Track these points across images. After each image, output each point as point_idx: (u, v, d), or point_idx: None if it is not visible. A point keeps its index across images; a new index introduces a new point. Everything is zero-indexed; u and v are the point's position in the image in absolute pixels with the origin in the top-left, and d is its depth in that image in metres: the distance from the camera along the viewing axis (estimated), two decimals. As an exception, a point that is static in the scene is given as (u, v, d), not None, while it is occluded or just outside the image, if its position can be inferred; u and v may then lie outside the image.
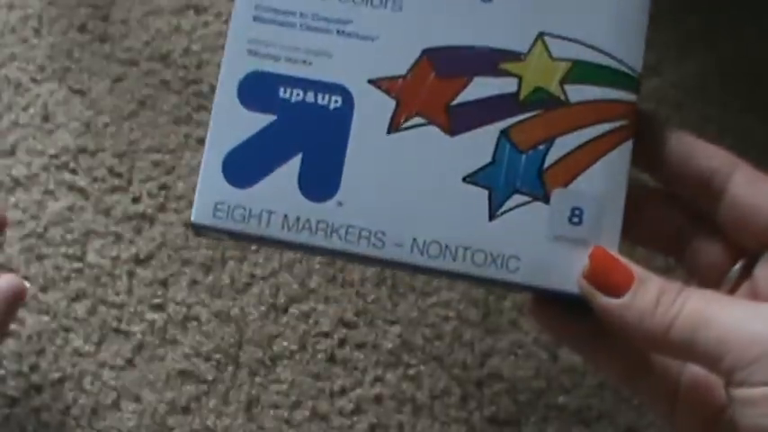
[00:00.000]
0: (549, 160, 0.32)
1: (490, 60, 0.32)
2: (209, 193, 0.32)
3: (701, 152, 0.33)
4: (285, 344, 0.48)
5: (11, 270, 0.48)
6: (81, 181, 0.50)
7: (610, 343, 0.33)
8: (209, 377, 0.48)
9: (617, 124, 0.32)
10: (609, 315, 0.31)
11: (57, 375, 0.48)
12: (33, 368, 0.48)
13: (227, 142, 0.32)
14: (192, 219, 0.32)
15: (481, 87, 0.32)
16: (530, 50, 0.32)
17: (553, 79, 0.32)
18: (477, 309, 0.49)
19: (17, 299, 0.41)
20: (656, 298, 0.31)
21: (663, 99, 0.52)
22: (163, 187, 0.50)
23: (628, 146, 0.32)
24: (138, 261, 0.49)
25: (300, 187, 0.32)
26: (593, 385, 0.48)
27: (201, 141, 0.51)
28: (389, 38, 0.32)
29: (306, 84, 0.32)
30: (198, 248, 0.49)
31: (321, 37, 0.33)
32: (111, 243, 0.49)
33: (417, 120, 0.32)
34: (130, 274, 0.49)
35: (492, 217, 0.32)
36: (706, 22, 0.53)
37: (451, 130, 0.32)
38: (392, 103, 0.32)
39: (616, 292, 0.31)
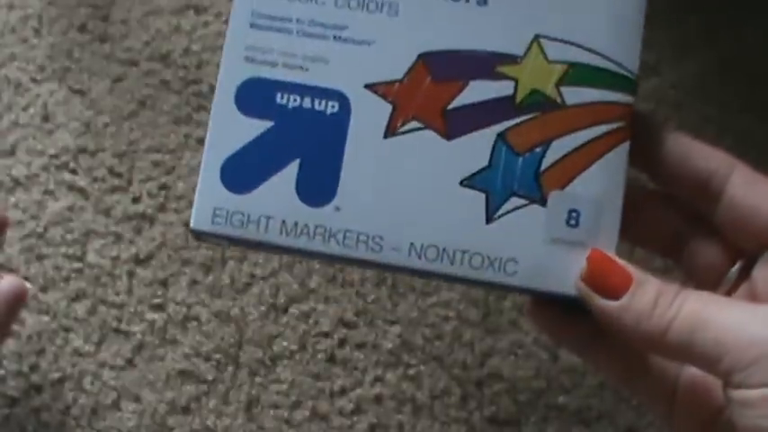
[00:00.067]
0: (545, 163, 0.32)
1: (486, 64, 0.32)
2: (208, 199, 0.32)
3: (698, 153, 0.33)
4: (285, 344, 0.48)
5: (11, 270, 0.48)
6: (81, 181, 0.50)
7: (608, 344, 0.33)
8: (209, 377, 0.48)
9: (614, 126, 0.32)
10: (607, 317, 0.31)
11: (57, 375, 0.48)
12: (33, 368, 0.48)
13: (225, 148, 0.33)
14: (191, 225, 0.32)
15: (477, 91, 0.32)
16: (526, 53, 0.32)
17: (549, 82, 0.32)
18: (477, 309, 0.49)
19: (19, 300, 0.41)
20: (654, 300, 0.31)
21: (662, 99, 0.52)
22: (163, 187, 0.50)
23: (625, 147, 0.32)
24: (138, 261, 0.49)
25: (298, 192, 0.32)
26: (593, 385, 0.48)
27: (201, 141, 0.51)
28: (385, 42, 0.33)
29: (303, 89, 0.33)
30: (198, 248, 0.49)
31: (317, 43, 0.33)
32: (111, 243, 0.49)
33: (414, 124, 0.32)
34: (130, 274, 0.49)
35: (489, 220, 0.32)
36: (706, 22, 0.53)
37: (448, 134, 0.32)
38: (389, 108, 0.32)
39: (614, 294, 0.31)
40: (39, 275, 0.49)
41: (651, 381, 0.34)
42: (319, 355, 0.48)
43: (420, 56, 0.32)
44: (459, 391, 0.48)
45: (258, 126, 0.32)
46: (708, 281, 0.34)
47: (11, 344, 0.47)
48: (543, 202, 0.32)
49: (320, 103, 0.32)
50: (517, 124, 0.32)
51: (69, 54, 0.52)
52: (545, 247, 0.32)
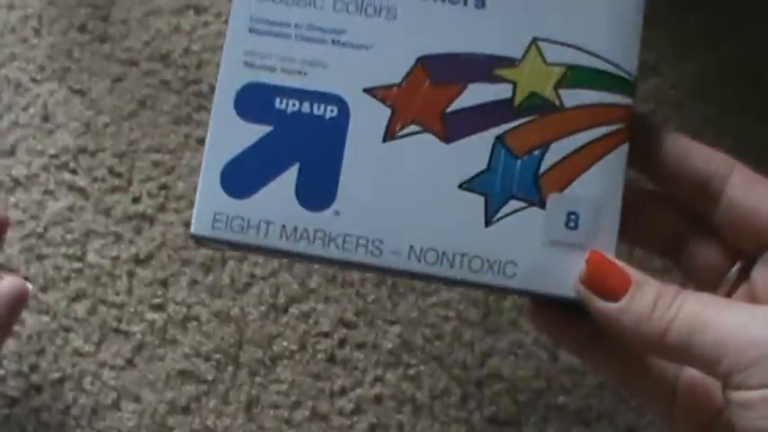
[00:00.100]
0: (544, 165, 0.32)
1: (484, 67, 0.32)
2: (208, 205, 0.32)
3: (697, 154, 0.33)
4: (285, 344, 0.48)
5: (11, 270, 0.48)
6: (81, 181, 0.50)
7: (607, 346, 0.33)
8: (209, 377, 0.48)
9: (612, 128, 0.32)
10: (606, 319, 0.31)
11: (57, 375, 0.48)
12: (33, 368, 0.48)
13: (224, 153, 0.33)
14: (192, 230, 0.32)
15: (476, 94, 0.32)
16: (524, 56, 0.33)
17: (547, 84, 0.32)
18: (477, 309, 0.49)
19: (20, 301, 0.41)
20: (653, 302, 0.31)
21: (662, 99, 0.52)
22: (163, 187, 0.50)
23: (623, 149, 0.32)
24: (138, 261, 0.49)
25: (298, 197, 0.32)
26: (593, 385, 0.48)
27: (201, 141, 0.51)
28: (384, 46, 0.33)
29: (301, 94, 0.33)
30: (198, 248, 0.49)
31: (316, 47, 0.33)
32: (111, 243, 0.49)
33: (413, 127, 0.32)
34: (130, 274, 0.49)
35: (488, 223, 0.32)
36: (706, 22, 0.53)
37: (447, 138, 0.32)
38: (387, 112, 0.32)
39: (613, 296, 0.31)
40: (39, 275, 0.49)
41: (650, 382, 0.34)
42: (319, 355, 0.48)
43: (418, 59, 0.33)
44: (459, 391, 0.48)
45: (257, 131, 0.33)
46: (707, 282, 0.34)
47: (11, 344, 0.47)
48: (542, 205, 0.32)
49: (319, 108, 0.32)
50: (516, 127, 0.32)
51: (69, 54, 0.52)
52: (544, 249, 0.32)
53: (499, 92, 0.32)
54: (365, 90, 0.32)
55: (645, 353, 0.33)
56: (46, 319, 0.48)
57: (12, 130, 0.51)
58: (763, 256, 0.33)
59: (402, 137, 0.32)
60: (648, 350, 0.32)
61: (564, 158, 0.32)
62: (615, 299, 0.31)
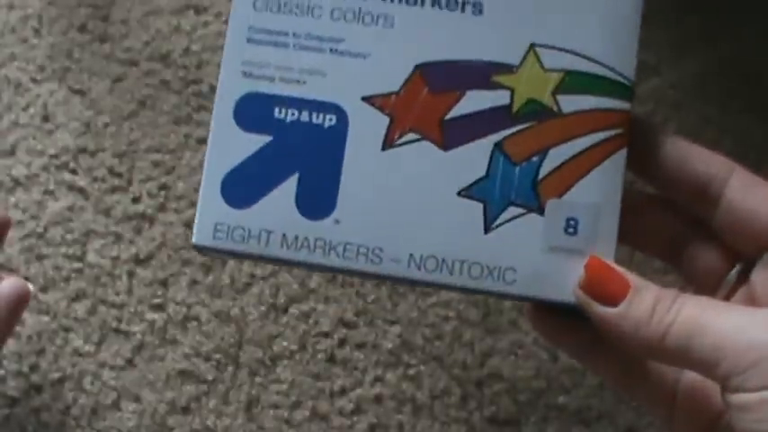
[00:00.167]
0: (543, 171, 0.32)
1: (482, 73, 0.33)
2: (209, 215, 0.33)
3: (696, 157, 0.33)
4: (285, 344, 0.48)
5: (11, 270, 0.48)
6: (81, 181, 0.50)
7: (607, 350, 0.33)
8: (209, 377, 0.48)
9: (611, 133, 0.32)
10: (605, 324, 0.31)
11: (57, 375, 0.48)
12: (33, 368, 0.48)
13: (224, 164, 0.33)
14: (193, 241, 0.33)
15: (474, 101, 0.32)
16: (522, 62, 0.33)
17: (545, 90, 0.32)
18: (477, 309, 0.49)
19: (21, 301, 0.41)
20: (652, 306, 0.31)
21: (662, 99, 0.52)
22: (163, 187, 0.50)
23: (622, 154, 0.32)
24: (138, 261, 0.49)
25: (298, 206, 0.32)
26: (593, 385, 0.48)
27: (201, 141, 0.51)
28: (382, 55, 0.33)
29: (300, 103, 0.33)
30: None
31: (314, 56, 0.33)
32: (111, 243, 0.49)
33: (411, 135, 0.32)
34: (130, 274, 0.49)
35: (487, 230, 0.32)
36: (705, 22, 0.53)
37: (445, 145, 0.32)
38: (386, 120, 0.32)
39: (612, 301, 0.31)
40: (39, 275, 0.49)
41: (651, 386, 0.34)
42: (319, 355, 0.48)
43: (416, 67, 0.33)
44: (459, 391, 0.48)
45: (257, 141, 0.33)
46: (707, 285, 0.34)
47: (11, 344, 0.47)
48: (541, 211, 0.32)
49: (318, 117, 0.33)
50: (514, 133, 0.32)
51: (69, 54, 0.52)
52: (543, 255, 0.32)
53: (497, 98, 0.32)
54: (364, 98, 0.33)
55: (644, 357, 0.33)
56: (46, 319, 0.48)
57: (12, 130, 0.51)
58: (763, 258, 0.33)
59: (401, 145, 0.32)
60: (648, 354, 0.32)
61: (562, 164, 0.32)
62: (614, 304, 0.31)
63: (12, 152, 0.50)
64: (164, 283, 0.49)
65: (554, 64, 0.33)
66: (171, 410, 0.47)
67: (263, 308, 0.49)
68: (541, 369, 0.48)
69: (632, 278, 0.31)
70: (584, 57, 0.33)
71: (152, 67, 0.51)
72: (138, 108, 0.51)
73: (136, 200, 0.50)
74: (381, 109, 0.33)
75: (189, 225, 0.49)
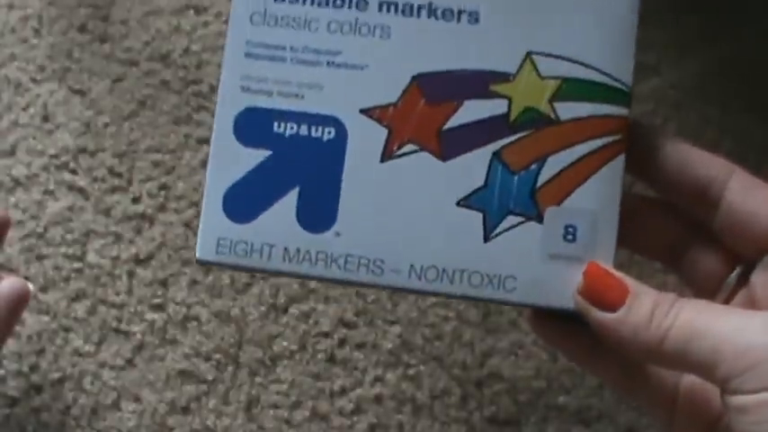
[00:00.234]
0: (541, 179, 0.32)
1: (479, 83, 0.33)
2: (212, 230, 0.33)
3: (696, 160, 0.33)
4: (285, 344, 0.48)
5: (11, 270, 0.48)
6: (81, 181, 0.50)
7: (607, 354, 0.34)
8: (209, 377, 0.48)
9: (609, 139, 0.32)
10: (605, 329, 0.31)
11: (57, 375, 0.48)
12: (33, 368, 0.48)
13: (226, 179, 0.33)
14: (197, 255, 0.33)
15: (471, 111, 0.33)
16: (518, 70, 0.33)
17: (543, 98, 0.33)
18: (477, 309, 0.49)
19: (21, 301, 0.41)
20: (651, 311, 0.31)
21: (662, 99, 0.52)
22: (163, 187, 0.50)
23: (620, 160, 0.32)
24: (138, 261, 0.49)
25: (299, 220, 0.33)
26: (593, 385, 0.48)
27: (201, 141, 0.51)
28: (379, 66, 0.33)
29: (299, 117, 0.33)
30: (198, 248, 0.49)
31: (312, 69, 0.33)
32: (111, 243, 0.49)
33: (410, 147, 0.33)
34: (130, 274, 0.49)
35: (487, 239, 0.32)
36: (706, 22, 0.53)
37: (443, 155, 0.32)
38: (384, 132, 0.33)
39: (611, 306, 0.31)
40: (39, 275, 0.49)
41: (651, 389, 0.34)
42: (319, 355, 0.48)
43: (413, 78, 0.33)
44: (459, 391, 0.48)
45: (257, 155, 0.33)
46: (707, 288, 0.34)
47: (11, 344, 0.47)
48: (540, 219, 0.32)
49: (317, 130, 0.33)
50: (512, 142, 0.32)
51: (69, 54, 0.52)
52: (543, 262, 0.32)
53: (495, 108, 0.33)
54: (362, 111, 0.33)
55: (644, 361, 0.33)
56: (46, 319, 0.48)
57: (12, 130, 0.51)
58: (762, 260, 0.33)
59: (399, 156, 0.33)
60: (647, 358, 0.32)
61: (561, 172, 0.32)
62: (613, 309, 0.31)
63: (12, 152, 0.50)
64: (164, 283, 0.49)
65: (551, 71, 0.33)
66: (171, 410, 0.47)
67: (263, 308, 0.49)
68: (541, 369, 0.48)
69: (631, 283, 0.31)
70: (581, 63, 0.33)
71: (152, 67, 0.51)
72: (138, 108, 0.51)
73: (136, 200, 0.50)
74: (379, 121, 0.33)
75: (189, 225, 0.49)
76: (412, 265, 0.32)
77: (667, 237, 0.35)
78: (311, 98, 0.33)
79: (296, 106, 0.33)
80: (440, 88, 0.33)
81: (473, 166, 0.32)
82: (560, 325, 0.34)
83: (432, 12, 0.33)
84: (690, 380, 0.34)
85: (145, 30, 0.52)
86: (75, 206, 0.50)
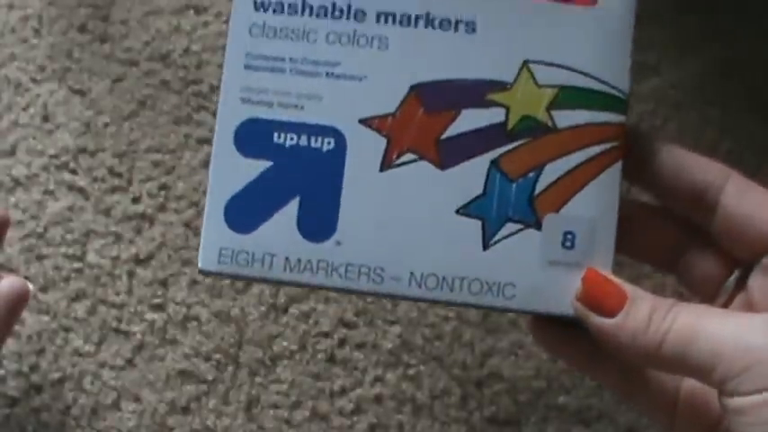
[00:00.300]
0: (539, 187, 0.33)
1: (477, 92, 0.33)
2: (213, 240, 0.33)
3: (693, 165, 0.34)
4: (285, 344, 0.48)
5: (11, 270, 0.48)
6: (81, 181, 0.50)
7: (606, 359, 0.34)
8: (209, 377, 0.48)
9: (606, 146, 0.33)
10: (603, 335, 0.32)
11: (57, 375, 0.48)
12: (33, 368, 0.48)
13: (227, 190, 0.33)
14: (199, 266, 0.33)
15: (469, 119, 0.33)
16: (516, 79, 0.33)
17: (540, 106, 0.33)
18: (477, 309, 0.49)
19: (21, 301, 0.41)
20: (648, 316, 0.31)
21: (662, 99, 0.52)
22: (163, 187, 0.50)
23: (617, 167, 0.33)
24: (138, 261, 0.49)
25: (299, 229, 0.33)
26: (593, 385, 0.48)
27: (201, 141, 0.51)
28: (377, 77, 0.33)
29: (299, 128, 0.33)
30: (198, 248, 0.49)
31: (311, 80, 0.33)
32: (111, 243, 0.49)
33: (409, 156, 0.33)
34: (130, 274, 0.49)
35: (486, 246, 0.33)
36: (706, 22, 0.53)
37: (442, 164, 0.33)
38: (383, 141, 0.33)
39: (609, 312, 0.31)
40: (39, 275, 0.49)
41: (651, 394, 0.34)
42: (319, 355, 0.48)
43: (412, 88, 0.33)
44: (459, 391, 0.48)
45: (257, 166, 0.33)
46: (705, 293, 0.35)
47: (11, 344, 0.47)
48: (538, 226, 0.33)
49: (316, 141, 0.33)
50: (510, 150, 0.33)
51: (69, 54, 0.52)
52: (542, 269, 0.32)
53: (492, 116, 0.33)
54: (361, 121, 0.33)
55: (643, 366, 0.33)
56: (46, 319, 0.48)
57: (12, 130, 0.51)
58: (759, 264, 0.33)
59: (398, 165, 0.33)
60: (646, 363, 0.32)
61: (558, 179, 0.33)
62: (611, 315, 0.31)
63: (12, 152, 0.50)
64: (164, 283, 0.49)
65: (548, 80, 0.33)
66: (171, 410, 0.47)
67: (263, 308, 0.49)
68: (541, 369, 0.48)
69: (629, 289, 0.32)
70: (578, 72, 0.33)
71: (152, 67, 0.51)
72: (138, 108, 0.51)
73: (136, 200, 0.50)
74: (378, 130, 0.33)
75: (189, 225, 0.50)
76: (412, 273, 0.33)
77: (665, 242, 0.35)
78: (311, 109, 0.33)
79: (296, 117, 0.33)
80: (438, 98, 0.33)
81: (472, 175, 0.33)
82: (560, 331, 0.34)
83: (429, 22, 0.33)
84: (690, 384, 0.34)
85: (145, 30, 0.52)
86: (75, 206, 0.50)
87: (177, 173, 0.50)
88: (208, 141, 0.50)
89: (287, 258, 0.33)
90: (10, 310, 0.41)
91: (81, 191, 0.50)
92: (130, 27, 0.52)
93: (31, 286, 0.42)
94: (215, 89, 0.51)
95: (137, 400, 0.47)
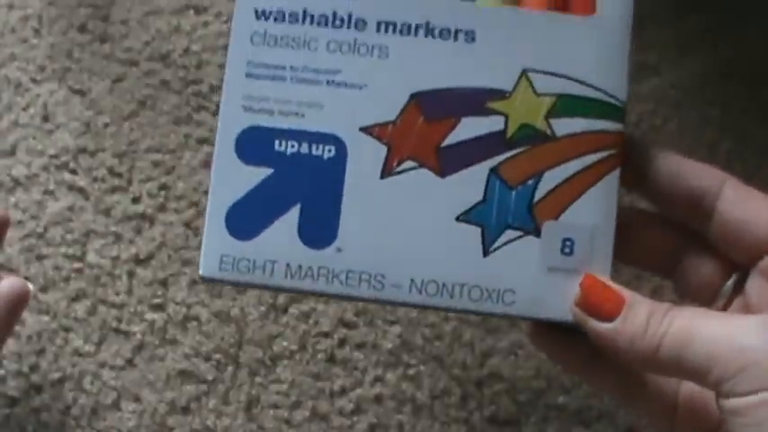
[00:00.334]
0: (538, 194, 0.33)
1: (477, 100, 0.33)
2: (215, 247, 0.33)
3: (689, 171, 0.34)
4: (285, 344, 0.48)
5: (11, 270, 0.48)
6: (81, 181, 0.50)
7: (606, 365, 0.34)
8: (209, 377, 0.48)
9: (604, 154, 0.33)
10: (602, 339, 0.32)
11: (57, 375, 0.48)
12: (33, 368, 0.48)
13: (228, 197, 0.33)
14: (201, 272, 0.33)
15: (469, 127, 0.33)
16: (514, 88, 0.33)
17: (539, 115, 0.33)
18: (476, 309, 0.49)
19: (21, 301, 0.41)
20: (646, 320, 0.31)
21: (662, 99, 0.52)
22: (163, 187, 0.50)
23: (615, 174, 0.33)
24: (138, 261, 0.49)
25: (300, 236, 0.33)
26: (592, 385, 0.48)
27: (201, 141, 0.51)
28: (378, 85, 0.33)
29: (300, 135, 0.33)
30: (198, 248, 0.49)
31: (312, 88, 0.34)
32: (111, 243, 0.49)
33: (409, 163, 0.33)
34: (130, 274, 0.49)
35: (486, 253, 0.33)
36: (706, 22, 0.53)
37: (442, 172, 0.33)
38: (384, 149, 0.33)
39: (608, 316, 0.32)
40: (39, 275, 0.49)
41: (651, 399, 0.35)
42: (319, 355, 0.48)
43: (412, 96, 0.33)
44: (459, 391, 0.48)
45: (258, 173, 0.33)
46: (704, 297, 0.35)
47: (11, 344, 0.47)
48: (537, 233, 0.33)
49: (317, 148, 0.33)
50: (509, 158, 0.33)
51: (69, 54, 0.52)
52: (541, 276, 0.33)
53: (492, 124, 0.33)
54: (361, 129, 0.33)
55: (641, 370, 0.34)
56: (46, 319, 0.48)
57: (12, 130, 0.51)
58: (755, 268, 0.33)
59: (399, 173, 0.33)
60: (644, 367, 0.32)
61: (557, 186, 0.33)
62: (610, 319, 0.32)
63: (12, 152, 0.50)
64: (164, 283, 0.49)
65: (546, 88, 0.33)
66: (171, 410, 0.47)
67: (263, 308, 0.49)
68: (541, 369, 0.48)
69: (626, 294, 0.32)
70: (576, 80, 0.33)
71: (152, 67, 0.51)
72: (138, 108, 0.51)
73: (136, 200, 0.50)
74: (379, 138, 0.33)
75: (189, 225, 0.50)
76: (412, 280, 0.33)
77: (663, 249, 0.36)
78: (311, 117, 0.33)
79: (297, 125, 0.33)
80: (438, 106, 0.33)
81: (471, 182, 0.33)
82: (559, 337, 0.35)
83: (429, 31, 0.33)
84: (689, 388, 0.34)
85: (145, 30, 0.52)
86: (76, 206, 0.50)
87: (177, 173, 0.50)
88: (208, 141, 0.50)
89: (288, 265, 0.33)
90: (10, 310, 0.41)
91: (81, 191, 0.50)
92: (130, 27, 0.52)
93: (31, 286, 0.42)
94: (215, 89, 0.51)
95: (137, 400, 0.47)
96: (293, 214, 0.33)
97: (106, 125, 0.51)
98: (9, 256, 0.49)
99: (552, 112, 0.33)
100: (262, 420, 0.47)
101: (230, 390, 0.48)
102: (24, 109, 0.51)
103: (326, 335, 0.48)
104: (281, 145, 0.33)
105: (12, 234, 0.49)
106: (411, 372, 0.48)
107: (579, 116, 0.33)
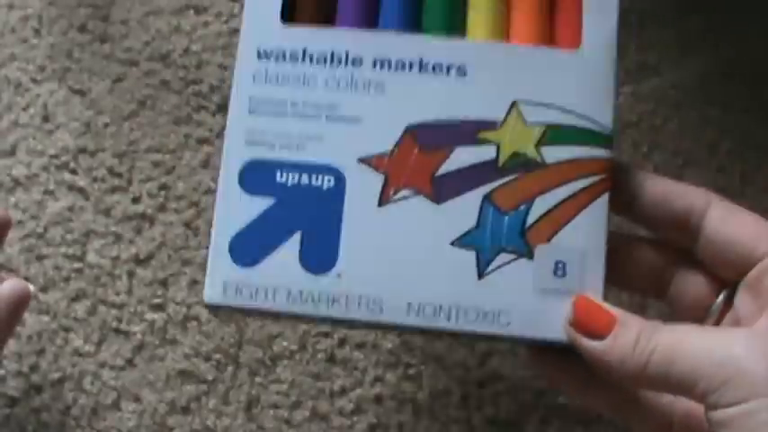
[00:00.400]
0: (530, 219, 0.34)
1: (469, 131, 0.35)
2: (219, 275, 0.35)
3: (674, 193, 0.35)
4: (285, 344, 0.48)
5: (11, 270, 0.48)
6: (81, 181, 0.50)
7: (601, 384, 0.35)
8: (209, 377, 0.48)
9: (593, 180, 0.34)
10: (594, 358, 0.33)
11: (57, 375, 0.48)
12: (33, 368, 0.48)
13: (232, 226, 0.35)
14: (205, 299, 0.35)
15: (462, 157, 0.35)
16: (505, 119, 0.35)
17: (529, 143, 0.35)
18: (477, 309, 0.49)
19: (22, 303, 0.41)
20: (636, 338, 0.32)
21: (662, 99, 0.52)
22: (163, 187, 0.50)
23: (604, 199, 0.34)
24: (138, 261, 0.49)
25: (302, 263, 0.34)
26: (592, 385, 0.48)
27: (201, 141, 0.51)
28: (374, 119, 0.35)
29: (300, 167, 0.35)
30: (198, 248, 0.49)
31: (311, 122, 0.35)
32: (111, 243, 0.49)
33: (405, 192, 0.35)
34: (130, 274, 0.49)
35: (481, 276, 0.34)
36: (706, 22, 0.53)
37: (437, 199, 0.35)
38: (381, 179, 0.35)
39: (599, 335, 0.33)
40: (39, 275, 0.49)
41: (647, 417, 0.36)
42: (319, 355, 0.48)
43: (407, 128, 0.35)
44: (460, 392, 0.48)
45: (261, 203, 0.35)
46: (696, 315, 0.36)
47: (11, 344, 0.47)
48: (530, 256, 0.34)
49: (317, 179, 0.35)
50: (501, 185, 0.35)
51: (69, 54, 0.52)
52: (535, 297, 0.34)
53: (484, 153, 0.35)
54: (359, 160, 0.35)
55: (633, 387, 0.35)
56: (46, 319, 0.48)
57: (12, 130, 0.51)
58: (743, 283, 0.34)
59: (396, 201, 0.35)
60: (635, 384, 0.33)
61: (549, 211, 0.34)
62: (601, 338, 0.33)
63: (12, 152, 0.50)
64: (164, 283, 0.49)
65: (536, 118, 0.35)
66: (171, 410, 0.47)
67: (263, 308, 0.49)
68: (541, 369, 0.48)
69: (617, 313, 0.33)
70: (564, 110, 0.35)
71: (152, 67, 0.51)
72: (138, 108, 0.51)
73: (136, 200, 0.50)
74: (376, 168, 0.35)
75: (189, 225, 0.50)
76: (410, 304, 0.34)
77: (653, 270, 0.37)
78: (311, 149, 0.35)
79: (297, 157, 0.35)
80: (432, 137, 0.35)
81: (465, 209, 0.34)
82: (556, 359, 0.35)
83: (423, 67, 0.35)
84: (684, 405, 0.35)
85: (145, 30, 0.52)
86: (76, 206, 0.50)
87: (177, 173, 0.50)
88: (208, 141, 0.50)
89: (289, 291, 0.34)
90: (11, 312, 0.41)
91: (81, 191, 0.50)
92: (130, 27, 0.52)
93: (31, 287, 0.42)
94: (215, 89, 0.51)
95: (137, 400, 0.47)
96: (294, 242, 0.34)
97: (106, 125, 0.51)
98: (9, 256, 0.49)
99: (542, 141, 0.34)
100: (262, 420, 0.47)
101: (230, 390, 0.48)
102: (24, 109, 0.51)
103: (326, 335, 0.48)
104: (282, 176, 0.35)
105: (12, 234, 0.49)
106: (411, 372, 0.48)
107: (568, 144, 0.34)
